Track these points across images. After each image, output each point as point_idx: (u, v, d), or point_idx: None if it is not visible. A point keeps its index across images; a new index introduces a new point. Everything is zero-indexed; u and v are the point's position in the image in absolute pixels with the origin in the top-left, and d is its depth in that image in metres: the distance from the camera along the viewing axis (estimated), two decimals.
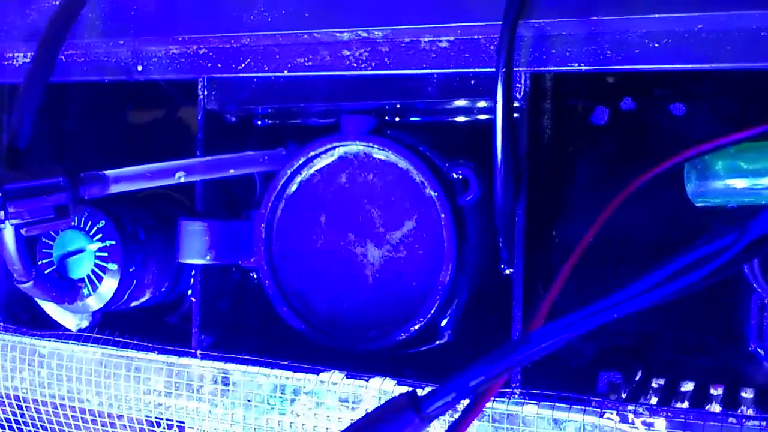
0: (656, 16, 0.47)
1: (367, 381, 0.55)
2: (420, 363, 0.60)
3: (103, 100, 0.77)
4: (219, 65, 0.60)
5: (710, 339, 0.59)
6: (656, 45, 0.48)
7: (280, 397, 0.57)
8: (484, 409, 0.50)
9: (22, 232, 0.53)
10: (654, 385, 0.56)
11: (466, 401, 0.38)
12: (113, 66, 0.63)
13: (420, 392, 0.38)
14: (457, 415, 0.38)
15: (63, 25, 0.58)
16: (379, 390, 0.54)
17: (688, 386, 0.56)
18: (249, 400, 0.58)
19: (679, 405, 0.53)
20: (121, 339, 0.62)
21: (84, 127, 0.77)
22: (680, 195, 0.51)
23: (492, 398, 0.49)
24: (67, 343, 0.64)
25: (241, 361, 0.59)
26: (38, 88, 0.56)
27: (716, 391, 0.55)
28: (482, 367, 0.37)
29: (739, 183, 0.48)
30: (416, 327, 0.59)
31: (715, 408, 0.53)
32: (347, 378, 0.56)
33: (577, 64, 0.50)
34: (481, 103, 0.58)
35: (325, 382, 0.56)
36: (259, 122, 0.68)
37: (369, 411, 0.39)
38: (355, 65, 0.56)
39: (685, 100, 0.59)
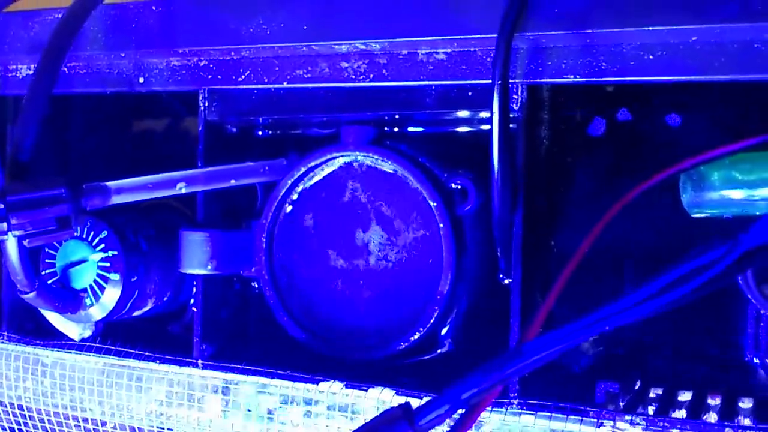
0: (650, 28, 0.47)
1: (366, 391, 0.55)
2: (420, 372, 0.61)
3: (105, 112, 0.78)
4: (219, 77, 0.61)
5: (708, 349, 0.59)
6: (651, 57, 0.48)
7: (280, 407, 0.57)
8: (479, 420, 0.50)
9: (25, 243, 0.53)
10: (652, 395, 0.57)
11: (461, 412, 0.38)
12: (115, 78, 0.64)
13: (414, 404, 0.39)
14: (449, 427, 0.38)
15: (66, 38, 0.58)
16: (378, 400, 0.54)
17: (685, 396, 0.56)
18: (249, 410, 0.58)
19: (676, 415, 0.53)
20: (123, 348, 0.63)
21: (86, 138, 0.77)
22: (676, 206, 0.51)
23: (488, 409, 0.49)
24: (70, 352, 0.64)
25: (241, 371, 0.59)
26: (41, 100, 0.56)
27: (714, 401, 0.55)
28: (475, 379, 0.37)
29: (735, 194, 0.49)
30: (416, 336, 0.59)
31: (713, 418, 0.53)
32: (346, 388, 0.56)
33: (572, 76, 0.50)
34: (479, 114, 0.59)
35: (324, 391, 0.56)
36: (260, 133, 0.68)
37: (363, 423, 0.39)
38: (353, 77, 0.57)
39: (681, 112, 0.59)
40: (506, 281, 0.57)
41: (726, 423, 0.46)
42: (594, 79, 0.50)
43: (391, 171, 0.61)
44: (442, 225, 0.59)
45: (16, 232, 0.52)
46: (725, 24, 0.46)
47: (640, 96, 0.60)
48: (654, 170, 0.49)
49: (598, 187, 0.62)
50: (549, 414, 0.50)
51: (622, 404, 0.54)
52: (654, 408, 0.55)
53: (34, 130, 0.55)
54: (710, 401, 0.55)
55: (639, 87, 0.50)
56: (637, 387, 0.58)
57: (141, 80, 0.63)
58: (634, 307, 0.37)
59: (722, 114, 0.58)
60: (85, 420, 0.64)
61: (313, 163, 0.62)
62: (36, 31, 0.64)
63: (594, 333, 0.37)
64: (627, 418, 0.49)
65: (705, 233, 0.55)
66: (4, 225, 0.51)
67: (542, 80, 0.51)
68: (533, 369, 0.38)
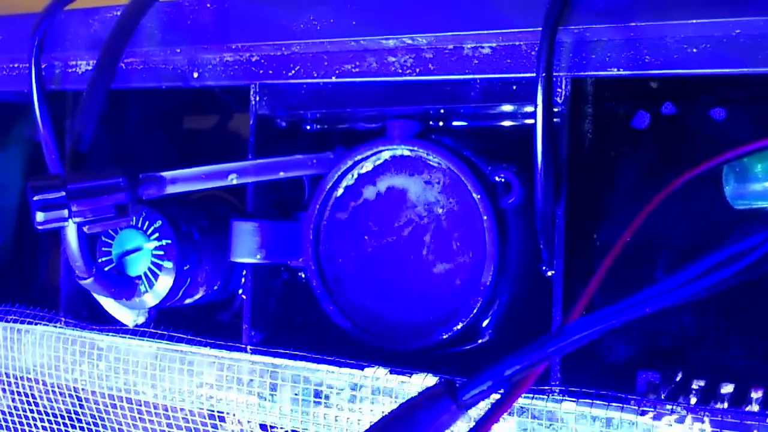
0: (694, 21, 0.47)
1: (410, 377, 0.56)
2: (461, 362, 0.61)
3: (161, 106, 0.80)
4: (270, 72, 0.62)
5: (751, 341, 0.59)
6: (694, 50, 0.49)
7: (326, 391, 0.58)
8: (520, 406, 0.51)
9: (85, 230, 0.56)
10: (694, 386, 0.57)
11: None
12: (170, 73, 0.66)
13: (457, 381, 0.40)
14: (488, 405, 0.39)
15: (123, 35, 0.60)
16: (421, 386, 0.56)
17: (728, 388, 0.56)
18: (296, 394, 0.59)
19: (717, 406, 0.53)
20: (175, 334, 0.65)
21: (143, 131, 0.80)
22: (719, 198, 0.51)
23: (528, 391, 0.49)
24: (124, 337, 0.66)
25: (289, 357, 0.61)
26: (100, 95, 0.58)
27: (756, 394, 0.55)
28: (518, 358, 0.38)
29: None
30: (458, 327, 0.60)
31: (755, 409, 0.53)
32: (390, 374, 0.57)
33: (616, 69, 0.51)
34: (523, 108, 0.60)
35: (369, 377, 0.57)
36: (308, 127, 0.70)
37: (408, 398, 0.40)
38: (400, 71, 0.58)
39: (725, 105, 0.59)
40: (549, 273, 0.58)
41: (767, 412, 0.46)
42: (637, 72, 0.50)
43: (436, 164, 0.62)
44: (485, 217, 0.60)
45: (77, 219, 0.54)
46: None
47: (684, 90, 0.60)
48: (698, 164, 0.49)
49: (642, 180, 0.62)
50: (590, 401, 0.50)
51: (663, 395, 0.54)
52: (695, 399, 0.55)
53: (93, 123, 0.58)
54: (753, 394, 0.55)
55: (683, 81, 0.51)
56: (678, 378, 0.58)
57: (195, 75, 0.65)
58: (675, 290, 0.38)
59: (766, 107, 0.58)
60: (138, 402, 0.66)
61: (359, 157, 0.64)
62: (95, 28, 0.67)
63: (635, 315, 0.38)
64: (668, 407, 0.49)
65: (748, 225, 0.55)
66: (65, 212, 0.53)
67: (586, 73, 0.52)
68: (574, 349, 0.39)
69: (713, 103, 0.60)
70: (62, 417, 0.71)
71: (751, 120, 0.59)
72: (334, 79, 0.60)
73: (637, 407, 0.50)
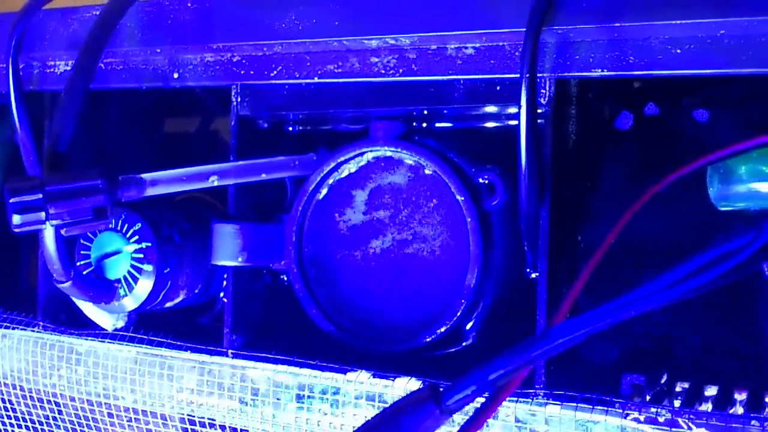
0: (678, 22, 0.47)
1: (393, 381, 0.56)
2: (445, 365, 0.61)
3: (141, 107, 0.80)
4: (252, 72, 0.62)
5: (735, 343, 0.59)
6: (678, 51, 0.49)
7: (308, 396, 0.58)
8: (505, 406, 0.51)
9: (62, 232, 0.55)
10: (678, 388, 0.57)
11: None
12: (150, 73, 0.65)
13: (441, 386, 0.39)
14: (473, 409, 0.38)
15: (103, 35, 0.60)
16: (405, 389, 0.55)
17: (712, 390, 0.56)
18: (278, 399, 0.59)
19: (702, 408, 0.53)
20: (155, 338, 0.64)
21: (123, 132, 0.79)
22: (704, 199, 0.51)
23: (512, 394, 0.49)
24: (104, 341, 0.66)
25: (271, 361, 0.60)
26: (79, 95, 0.58)
27: (740, 396, 0.55)
28: (502, 361, 0.37)
29: (762, 186, 0.49)
30: (442, 329, 0.60)
31: (739, 411, 0.53)
32: (373, 377, 0.57)
33: (600, 70, 0.51)
34: (507, 110, 0.59)
35: (351, 381, 0.57)
36: (290, 128, 0.69)
37: (391, 403, 0.40)
38: (383, 72, 0.58)
39: (708, 106, 0.60)
40: (533, 275, 0.58)
41: (752, 414, 0.46)
42: (621, 72, 0.50)
43: (419, 166, 0.61)
44: (469, 219, 0.59)
45: (54, 222, 0.53)
46: (753, 17, 0.46)
47: (667, 90, 0.60)
48: (681, 165, 0.49)
49: (625, 181, 0.62)
50: (575, 405, 0.50)
51: (647, 397, 0.54)
52: (680, 401, 0.55)
53: (71, 123, 0.57)
54: (737, 396, 0.55)
55: (667, 81, 0.50)
56: (663, 381, 0.58)
57: (175, 76, 0.64)
58: (660, 292, 0.38)
59: (750, 109, 0.58)
60: (118, 408, 0.65)
61: (342, 158, 0.63)
62: (74, 27, 0.66)
63: (620, 318, 0.38)
64: (653, 410, 0.49)
65: (732, 226, 0.55)
66: (42, 214, 0.53)
67: (570, 74, 0.52)
68: (559, 352, 0.38)
69: (697, 104, 0.60)
70: (40, 423, 0.70)
71: (734, 121, 0.59)
72: (316, 80, 0.60)
73: (621, 410, 0.50)
